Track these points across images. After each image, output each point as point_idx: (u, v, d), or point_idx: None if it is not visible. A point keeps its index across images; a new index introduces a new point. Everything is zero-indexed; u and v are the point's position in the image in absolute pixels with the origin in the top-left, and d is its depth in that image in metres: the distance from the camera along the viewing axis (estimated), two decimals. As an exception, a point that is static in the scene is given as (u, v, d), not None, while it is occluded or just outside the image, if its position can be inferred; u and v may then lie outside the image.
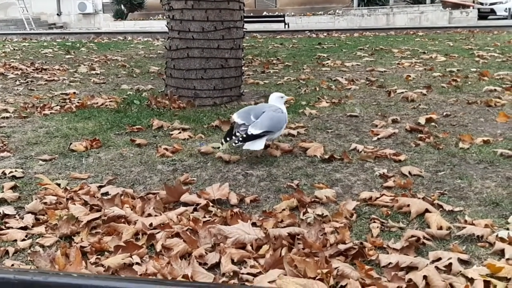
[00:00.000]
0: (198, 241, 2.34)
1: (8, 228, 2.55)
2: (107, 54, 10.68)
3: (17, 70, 8.14)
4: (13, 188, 3.08)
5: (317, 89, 6.13)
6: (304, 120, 4.62)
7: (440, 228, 2.41)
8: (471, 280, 1.99)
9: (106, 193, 2.94)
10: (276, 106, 3.61)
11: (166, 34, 5.69)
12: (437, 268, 2.06)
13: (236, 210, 2.64)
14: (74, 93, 6.21)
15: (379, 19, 18.67)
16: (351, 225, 2.51)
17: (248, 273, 2.08)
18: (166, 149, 3.74)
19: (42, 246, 2.38)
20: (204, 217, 2.62)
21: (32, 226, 2.56)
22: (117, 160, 3.61)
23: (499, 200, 2.75)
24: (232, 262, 2.16)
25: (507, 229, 2.39)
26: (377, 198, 2.78)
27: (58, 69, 8.37)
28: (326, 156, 3.50)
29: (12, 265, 2.25)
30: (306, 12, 21.66)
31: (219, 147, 3.76)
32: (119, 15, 23.15)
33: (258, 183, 3.12)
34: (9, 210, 2.73)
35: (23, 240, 2.44)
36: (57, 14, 25.29)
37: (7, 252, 2.33)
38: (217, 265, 2.17)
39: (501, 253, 2.20)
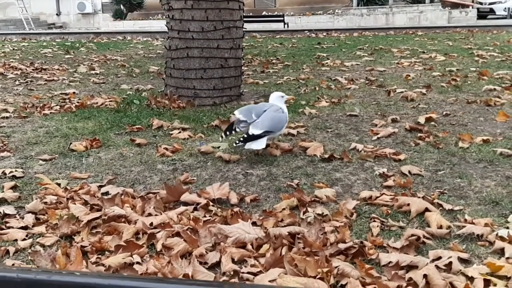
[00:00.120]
0: (199, 240, 2.35)
1: (9, 227, 2.55)
2: (106, 54, 10.68)
3: (16, 70, 8.14)
4: (13, 188, 3.08)
5: (317, 88, 6.14)
6: (304, 120, 4.63)
7: (440, 227, 2.42)
8: (471, 279, 1.99)
9: (107, 193, 2.94)
10: (277, 106, 3.62)
11: (166, 34, 5.69)
12: (437, 267, 2.06)
13: (236, 209, 2.65)
14: (74, 93, 6.21)
15: (378, 18, 18.67)
16: (351, 224, 2.51)
17: (248, 272, 2.08)
18: (166, 149, 3.74)
19: (42, 245, 2.38)
20: (205, 216, 2.62)
21: (33, 226, 2.56)
22: (117, 160, 3.61)
23: (498, 199, 2.76)
24: (233, 261, 2.17)
25: (507, 228, 2.40)
26: (377, 197, 2.79)
27: (58, 69, 8.37)
28: (326, 156, 3.50)
29: (13, 264, 2.25)
30: (306, 12, 21.65)
31: (219, 147, 3.77)
32: (119, 15, 23.13)
33: (258, 183, 3.12)
34: (9, 209, 2.73)
35: (24, 239, 2.44)
36: (56, 14, 25.28)
37: (7, 252, 2.33)
38: (218, 264, 2.17)
39: (501, 252, 2.21)
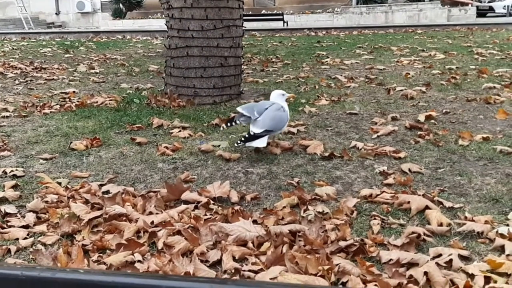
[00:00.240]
0: (200, 238, 2.35)
1: (10, 226, 2.56)
2: (106, 53, 10.67)
3: (16, 69, 8.14)
4: (14, 187, 3.09)
5: (317, 87, 6.14)
6: (304, 118, 4.63)
7: (441, 224, 2.43)
8: (471, 276, 2.00)
9: (107, 192, 2.95)
10: (278, 104, 3.63)
11: (165, 33, 5.69)
12: (437, 264, 2.07)
13: (237, 207, 2.65)
14: (74, 92, 6.21)
15: (377, 17, 18.67)
16: (351, 222, 2.52)
17: (249, 270, 2.09)
18: (167, 148, 3.75)
19: (44, 244, 2.38)
20: (205, 214, 2.63)
21: (34, 225, 2.57)
22: (117, 159, 3.61)
23: (499, 196, 2.76)
24: (234, 259, 2.17)
25: (507, 225, 2.41)
26: (378, 195, 2.79)
27: (58, 68, 8.37)
28: (326, 154, 3.51)
29: (14, 263, 2.25)
30: (305, 10, 21.64)
31: (219, 145, 3.78)
32: (118, 14, 23.12)
33: (259, 181, 3.12)
34: (10, 208, 2.74)
35: (25, 238, 2.44)
36: (56, 13, 25.24)
37: (9, 251, 2.33)
38: (219, 262, 2.18)
39: (501, 249, 2.21)
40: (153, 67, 8.35)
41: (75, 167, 3.46)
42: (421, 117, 4.39)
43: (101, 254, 2.27)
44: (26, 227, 2.55)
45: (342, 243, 2.23)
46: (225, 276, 2.08)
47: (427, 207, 2.59)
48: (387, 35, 13.18)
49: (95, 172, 3.36)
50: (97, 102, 5.43)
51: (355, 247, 2.20)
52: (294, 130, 4.13)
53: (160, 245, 2.31)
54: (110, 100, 5.54)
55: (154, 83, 6.72)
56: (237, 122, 3.61)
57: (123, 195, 2.84)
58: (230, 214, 2.55)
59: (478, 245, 2.28)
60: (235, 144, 3.57)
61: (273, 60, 8.85)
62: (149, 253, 2.27)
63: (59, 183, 3.09)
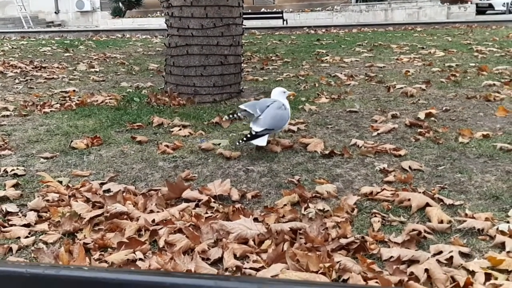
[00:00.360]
0: (201, 236, 2.36)
1: (11, 225, 2.56)
2: (105, 52, 10.67)
3: (16, 69, 8.14)
4: (15, 186, 3.09)
5: (317, 85, 6.14)
6: (304, 116, 4.64)
7: (441, 221, 2.43)
8: (472, 273, 2.01)
9: (108, 190, 2.95)
10: (280, 102, 3.63)
11: (165, 31, 5.69)
12: (438, 261, 2.07)
13: (238, 205, 2.66)
14: (74, 91, 6.21)
15: (377, 14, 18.66)
16: (352, 219, 2.52)
17: (250, 268, 2.10)
18: (167, 146, 3.75)
19: (45, 243, 2.39)
20: (206, 213, 2.63)
21: (35, 223, 2.57)
22: (118, 157, 3.62)
23: (499, 193, 2.77)
24: (235, 257, 2.18)
25: (508, 222, 2.41)
26: (378, 192, 2.80)
27: (57, 67, 8.37)
28: (327, 152, 3.51)
29: (17, 261, 2.26)
30: (304, 8, 21.64)
31: (220, 144, 3.79)
32: (117, 13, 23.10)
33: (259, 179, 3.13)
34: (11, 207, 2.74)
35: (26, 237, 2.45)
36: (55, 12, 25.22)
37: (10, 249, 2.34)
38: (220, 260, 2.18)
39: (501, 246, 2.22)
40: (153, 65, 8.34)
41: (76, 166, 3.46)
42: (421, 115, 4.40)
43: (102, 253, 2.28)
44: (27, 225, 2.55)
45: (343, 241, 2.23)
46: (227, 273, 2.09)
47: (427, 205, 2.59)
48: (387, 33, 13.17)
49: (96, 170, 3.36)
50: (97, 101, 5.44)
51: (356, 245, 2.21)
52: (294, 128, 4.13)
53: (161, 243, 2.31)
54: (110, 99, 5.55)
55: (154, 82, 6.72)
56: (239, 114, 3.66)
57: (124, 194, 2.84)
58: (231, 212, 2.55)
59: (478, 242, 2.29)
60: (237, 143, 3.58)
61: (273, 58, 8.84)
62: (151, 251, 2.28)
63: (60, 182, 3.09)
